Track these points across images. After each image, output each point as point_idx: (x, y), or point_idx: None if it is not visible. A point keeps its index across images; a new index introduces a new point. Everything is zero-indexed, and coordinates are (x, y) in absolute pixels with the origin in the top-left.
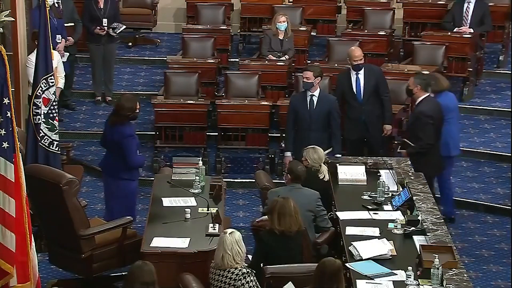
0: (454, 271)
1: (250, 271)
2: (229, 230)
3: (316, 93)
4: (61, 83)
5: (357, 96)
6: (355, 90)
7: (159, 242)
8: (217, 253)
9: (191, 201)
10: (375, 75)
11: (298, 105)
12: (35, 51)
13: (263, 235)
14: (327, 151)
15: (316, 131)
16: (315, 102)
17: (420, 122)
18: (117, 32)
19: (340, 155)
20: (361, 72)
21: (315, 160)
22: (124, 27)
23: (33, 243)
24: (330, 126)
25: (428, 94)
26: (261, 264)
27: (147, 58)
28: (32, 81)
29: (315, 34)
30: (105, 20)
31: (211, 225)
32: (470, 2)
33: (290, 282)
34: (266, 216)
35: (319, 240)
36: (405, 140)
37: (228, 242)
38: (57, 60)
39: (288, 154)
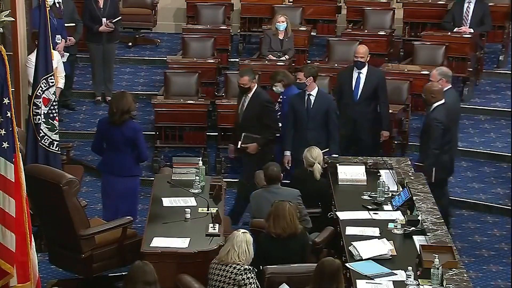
0: (454, 271)
1: (252, 269)
2: (243, 230)
3: (314, 92)
4: (61, 83)
5: (353, 95)
6: (353, 88)
7: (159, 242)
8: (224, 248)
9: (191, 201)
10: (377, 78)
11: (296, 104)
12: (35, 51)
13: (261, 240)
14: (323, 151)
15: (313, 130)
16: (312, 101)
17: (266, 110)
18: (113, 22)
19: (337, 155)
20: (363, 71)
21: (308, 159)
22: (120, 17)
23: (33, 243)
24: (327, 125)
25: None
26: (261, 267)
27: (147, 58)
28: (31, 81)
29: (315, 34)
30: (104, 20)
31: (211, 225)
32: (470, 2)
33: (284, 283)
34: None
35: (318, 239)
36: (247, 134)
37: (238, 239)
38: (57, 60)
39: (288, 153)
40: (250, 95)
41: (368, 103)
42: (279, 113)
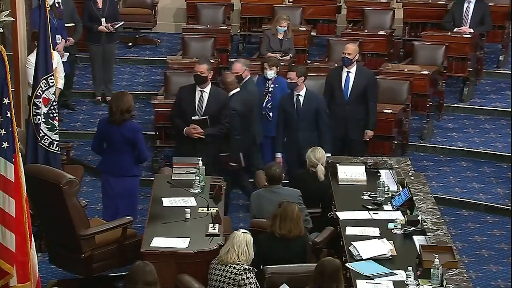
0: (454, 271)
1: (251, 268)
2: (243, 230)
3: (302, 92)
4: (60, 83)
5: (343, 94)
6: (343, 87)
7: (159, 242)
8: (224, 247)
9: (191, 201)
10: (366, 77)
11: (286, 105)
12: (34, 52)
13: (262, 239)
14: None
15: (304, 130)
16: (301, 102)
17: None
18: (115, 28)
19: (329, 154)
20: (352, 70)
21: (311, 160)
22: (122, 22)
23: (33, 243)
24: (318, 125)
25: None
26: (261, 267)
27: (147, 58)
28: (30, 82)
29: (315, 34)
30: (103, 20)
31: (211, 225)
32: (470, 2)
33: (284, 283)
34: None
35: (318, 239)
36: (207, 120)
37: (238, 239)
38: (57, 60)
39: (279, 155)
40: (207, 90)
41: (358, 103)
42: (270, 102)
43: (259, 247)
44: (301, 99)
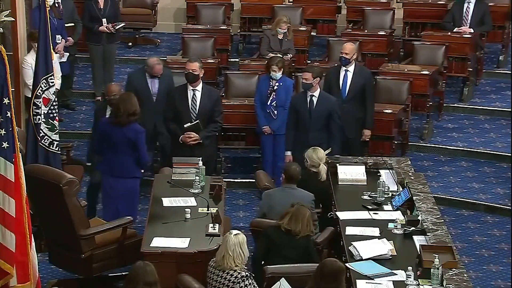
0: (454, 271)
1: (249, 274)
2: (235, 232)
3: (316, 93)
4: (57, 83)
5: (341, 92)
6: (340, 85)
7: (159, 242)
8: (219, 251)
9: (191, 201)
10: (364, 77)
11: (298, 105)
12: (31, 52)
13: (268, 230)
14: (326, 152)
15: (315, 131)
16: (315, 103)
17: (220, 104)
18: (116, 28)
19: (338, 156)
20: (351, 69)
21: (313, 160)
22: (123, 24)
23: (33, 243)
24: (329, 126)
25: None
26: (262, 261)
27: (147, 58)
28: (27, 82)
29: (315, 34)
30: (104, 20)
31: (211, 225)
32: (470, 2)
33: (283, 277)
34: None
35: (318, 240)
36: (199, 123)
37: (231, 243)
38: (54, 60)
39: (288, 153)
40: (199, 88)
41: (356, 102)
42: (275, 101)
43: (263, 238)
44: (315, 100)
